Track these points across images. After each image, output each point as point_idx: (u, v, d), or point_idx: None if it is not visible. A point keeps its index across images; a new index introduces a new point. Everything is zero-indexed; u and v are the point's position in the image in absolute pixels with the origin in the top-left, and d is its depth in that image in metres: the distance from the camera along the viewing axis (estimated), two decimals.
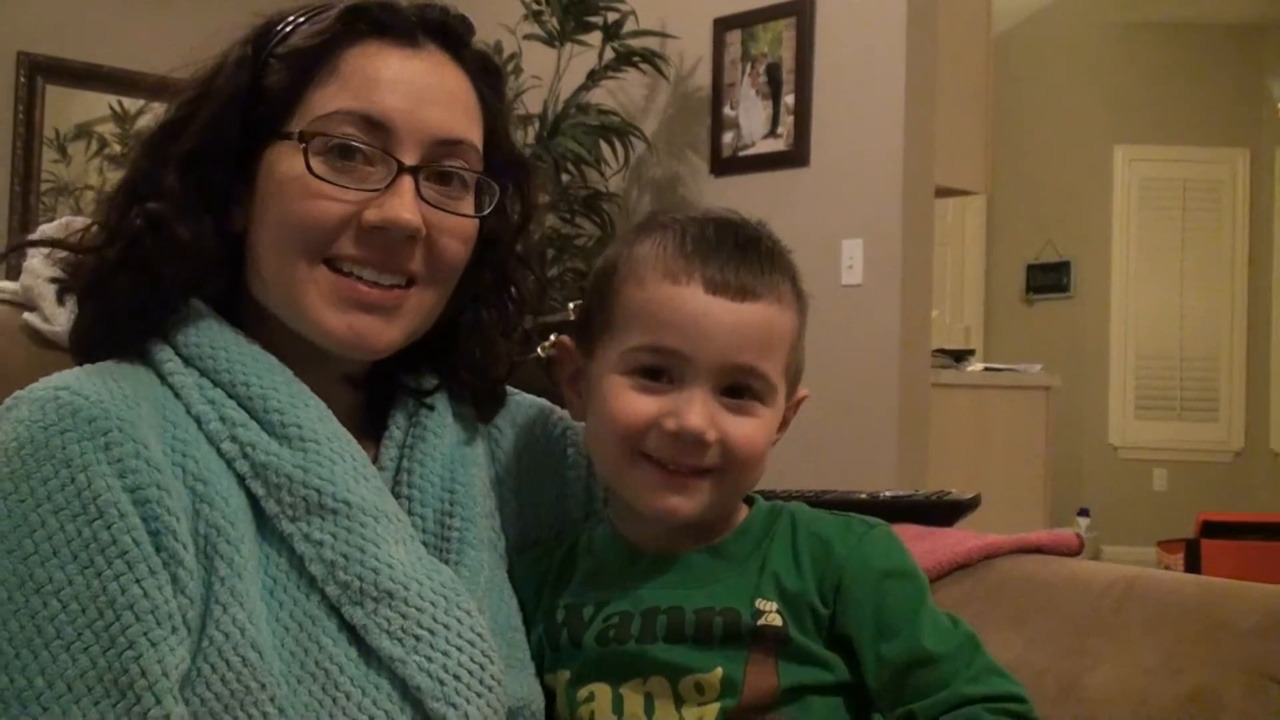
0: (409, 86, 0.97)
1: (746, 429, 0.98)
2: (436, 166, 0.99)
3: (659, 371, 0.98)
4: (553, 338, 1.12)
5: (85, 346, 0.99)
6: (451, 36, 1.03)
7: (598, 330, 1.03)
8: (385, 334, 0.98)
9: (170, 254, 0.96)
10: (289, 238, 0.96)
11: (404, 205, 0.96)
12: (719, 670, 0.96)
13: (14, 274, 1.30)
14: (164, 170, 0.97)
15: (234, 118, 0.97)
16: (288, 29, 0.99)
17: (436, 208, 0.98)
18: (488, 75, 1.05)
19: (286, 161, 0.96)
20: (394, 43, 0.99)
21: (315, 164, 0.95)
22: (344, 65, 0.97)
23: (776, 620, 0.97)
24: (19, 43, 4.88)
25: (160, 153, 0.98)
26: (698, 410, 0.96)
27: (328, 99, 0.96)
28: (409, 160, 0.97)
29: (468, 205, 1.01)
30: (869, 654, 0.97)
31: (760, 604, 0.98)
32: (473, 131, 1.02)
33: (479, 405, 1.13)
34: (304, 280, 0.96)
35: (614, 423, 0.99)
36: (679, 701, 0.97)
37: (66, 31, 4.78)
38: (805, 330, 1.04)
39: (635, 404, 0.98)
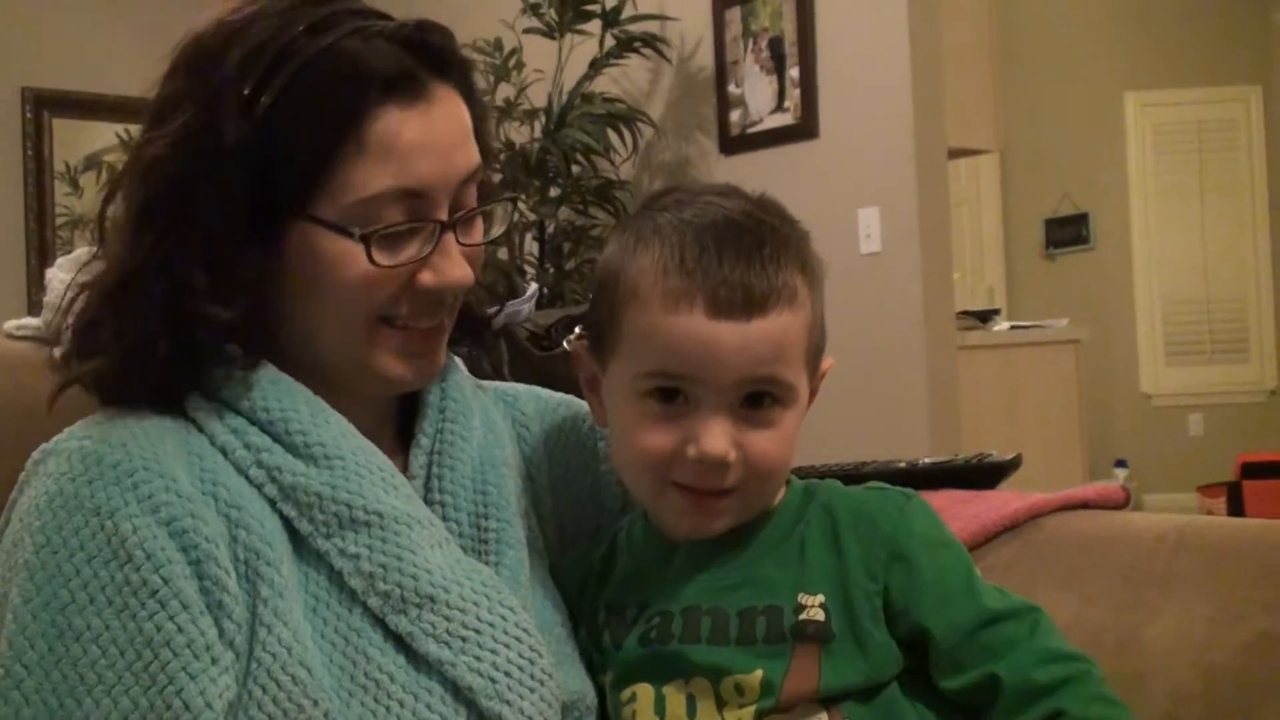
0: (435, 144, 0.95)
1: (767, 443, 0.97)
2: (464, 215, 0.99)
3: (673, 393, 0.96)
4: (577, 330, 1.11)
5: (117, 395, 0.95)
6: (443, 60, 0.98)
7: (607, 346, 1.01)
8: (439, 362, 1.02)
9: (213, 331, 0.94)
10: (351, 316, 0.96)
11: (455, 265, 0.97)
12: (759, 673, 0.95)
13: (36, 309, 1.29)
14: (182, 257, 0.92)
15: (244, 191, 0.92)
16: (280, 79, 0.92)
17: (468, 246, 1.00)
18: (465, 73, 1.01)
19: (335, 248, 0.93)
20: (408, 100, 0.94)
21: (376, 254, 0.93)
22: (369, 137, 0.92)
23: (819, 615, 0.96)
24: (22, 78, 4.90)
25: (169, 231, 0.93)
26: (715, 434, 0.95)
27: (365, 178, 0.92)
28: (443, 214, 0.97)
29: (479, 227, 1.03)
30: (934, 621, 0.96)
31: (803, 598, 0.97)
32: (477, 151, 1.01)
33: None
34: (368, 343, 0.97)
35: (639, 457, 0.98)
36: (720, 703, 0.96)
37: (68, 63, 4.81)
38: (823, 301, 1.01)
39: (655, 437, 0.96)
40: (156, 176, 0.93)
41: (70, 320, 0.96)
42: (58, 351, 1.20)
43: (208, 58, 0.94)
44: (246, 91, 0.91)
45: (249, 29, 0.93)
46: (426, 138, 0.94)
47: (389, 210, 0.93)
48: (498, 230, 1.04)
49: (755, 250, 0.96)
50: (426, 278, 0.96)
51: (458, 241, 0.98)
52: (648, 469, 0.98)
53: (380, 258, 0.93)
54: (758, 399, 0.96)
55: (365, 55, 0.93)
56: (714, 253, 0.95)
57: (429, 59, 0.96)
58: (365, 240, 0.92)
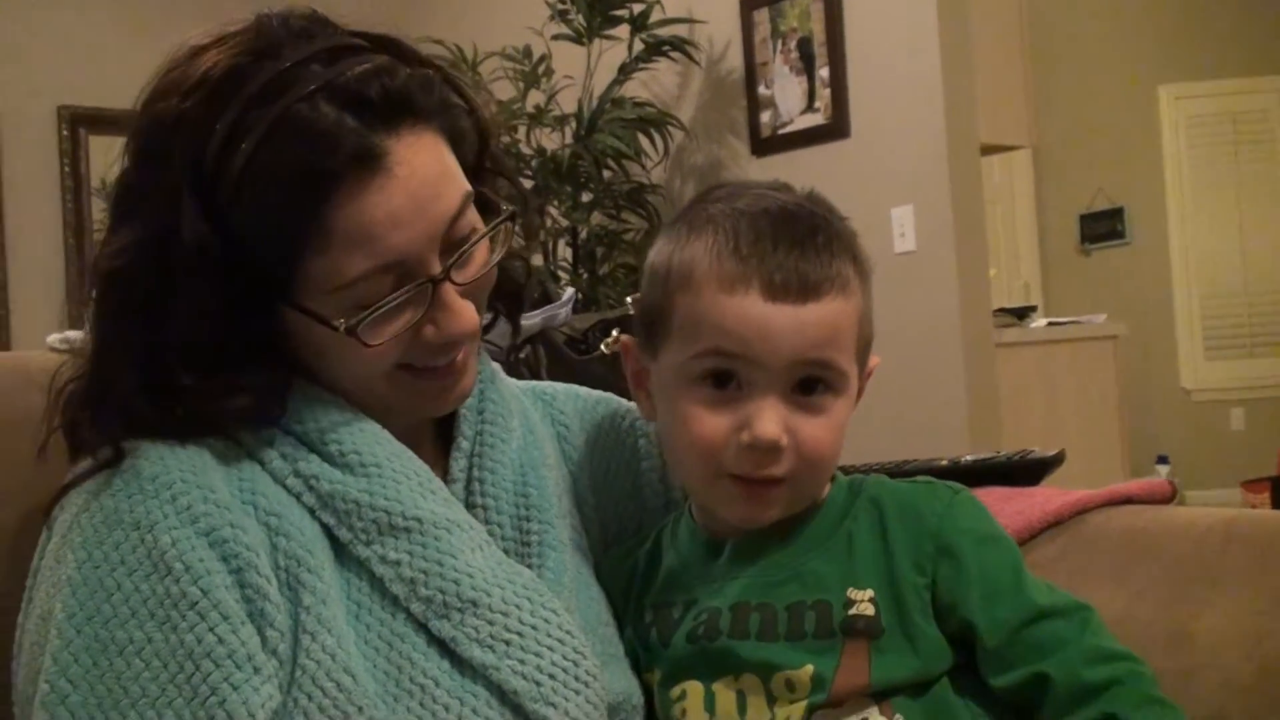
0: (405, 210, 0.91)
1: (818, 430, 0.96)
2: (457, 259, 0.95)
3: (726, 376, 0.96)
4: (614, 333, 1.11)
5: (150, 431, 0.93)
6: (393, 104, 0.92)
7: (659, 336, 1.00)
8: (468, 384, 1.01)
9: (234, 415, 0.93)
10: (364, 375, 0.96)
11: (455, 317, 0.95)
12: (809, 667, 0.94)
13: (74, 323, 1.30)
14: (172, 365, 0.91)
15: (219, 289, 0.90)
16: (229, 182, 0.89)
17: (467, 285, 0.97)
18: (426, 95, 0.94)
19: (326, 334, 0.92)
20: (366, 177, 0.89)
21: (366, 336, 0.92)
22: (333, 228, 0.89)
23: (869, 609, 0.95)
24: (59, 97, 4.96)
25: (148, 339, 0.91)
26: (768, 417, 0.94)
27: (340, 266, 0.90)
28: (436, 267, 0.93)
29: (484, 249, 0.99)
30: (981, 617, 0.95)
31: (852, 593, 0.96)
32: (463, 179, 0.97)
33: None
34: (390, 389, 0.97)
35: (691, 445, 0.97)
36: (771, 699, 0.95)
37: (104, 82, 4.83)
38: (871, 297, 1.01)
39: (709, 423, 0.96)
40: (124, 287, 0.91)
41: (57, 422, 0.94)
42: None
43: (158, 149, 0.91)
44: (200, 195, 0.89)
45: (198, 103, 0.90)
46: (393, 208, 0.90)
47: (375, 285, 0.91)
48: (501, 251, 1.00)
49: (809, 237, 0.96)
50: (429, 333, 0.95)
51: (455, 284, 0.95)
52: (700, 458, 0.97)
53: (373, 337, 0.92)
54: (810, 385, 0.96)
55: (314, 137, 0.88)
56: (769, 239, 0.95)
57: (377, 112, 0.90)
58: (351, 331, 0.91)
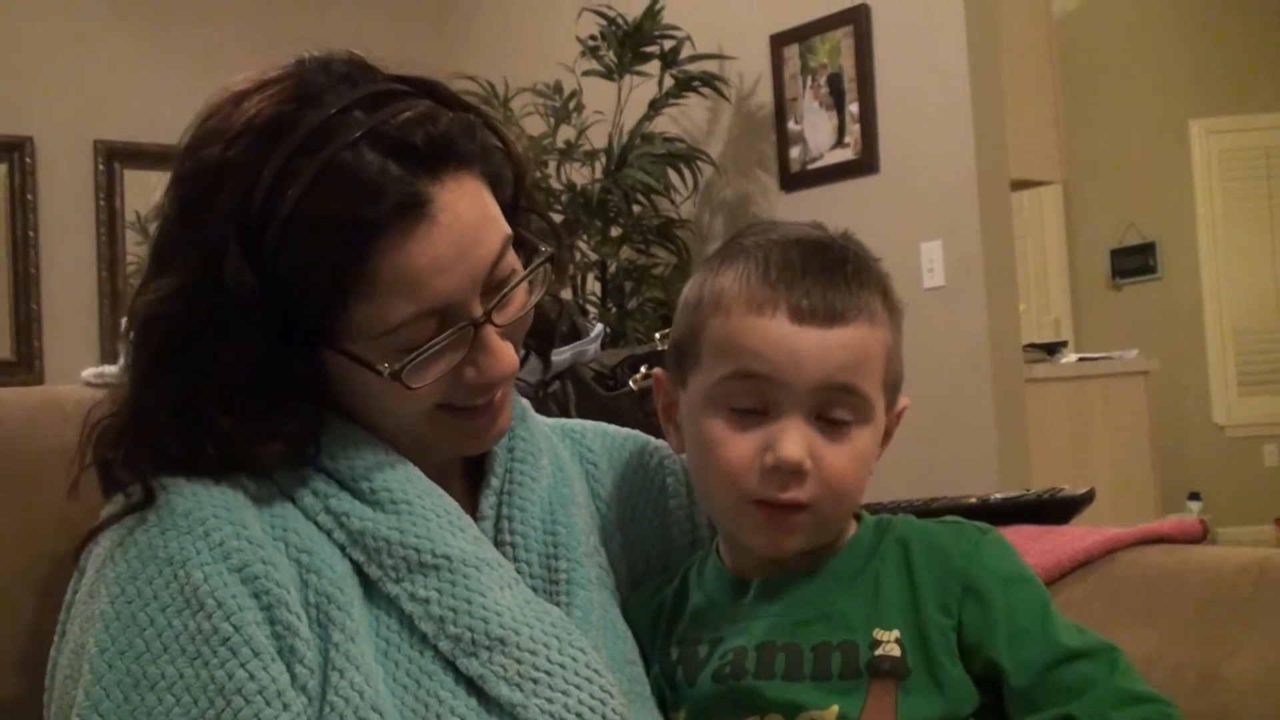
0: (448, 256, 0.91)
1: (841, 459, 0.97)
2: (498, 302, 0.96)
3: (753, 403, 0.97)
4: (643, 370, 1.12)
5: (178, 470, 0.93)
6: (435, 150, 0.92)
7: (688, 364, 1.02)
8: (504, 424, 1.02)
9: (268, 459, 0.94)
10: (403, 415, 0.96)
11: (495, 359, 0.96)
12: (835, 708, 0.94)
13: (108, 356, 1.31)
14: (208, 408, 0.91)
15: (259, 336, 0.90)
16: (274, 229, 0.89)
17: (507, 326, 0.98)
18: (468, 139, 0.95)
19: (369, 377, 0.93)
20: (410, 225, 0.90)
21: (410, 380, 0.93)
22: (378, 277, 0.89)
23: (894, 650, 0.95)
24: (94, 131, 5.02)
25: (185, 383, 0.91)
26: (793, 439, 0.95)
27: (383, 313, 0.91)
28: (478, 310, 0.94)
29: (523, 290, 1.00)
30: (1008, 657, 0.95)
31: (878, 634, 0.96)
32: (503, 221, 0.97)
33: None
34: (429, 430, 0.98)
35: (717, 469, 0.98)
36: None
37: (138, 116, 4.91)
38: (901, 339, 1.02)
39: (734, 446, 0.97)
40: (164, 333, 0.91)
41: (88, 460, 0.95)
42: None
43: (202, 196, 0.91)
44: (244, 243, 0.89)
45: (242, 150, 0.90)
46: (438, 254, 0.91)
47: (418, 329, 0.92)
48: (540, 292, 1.02)
49: (838, 266, 0.98)
50: (470, 374, 0.96)
51: (496, 326, 0.96)
52: (725, 482, 0.98)
53: (416, 380, 0.93)
54: (835, 412, 0.97)
55: (359, 185, 0.88)
56: (798, 266, 0.97)
57: (421, 159, 0.91)
58: (396, 375, 0.92)
